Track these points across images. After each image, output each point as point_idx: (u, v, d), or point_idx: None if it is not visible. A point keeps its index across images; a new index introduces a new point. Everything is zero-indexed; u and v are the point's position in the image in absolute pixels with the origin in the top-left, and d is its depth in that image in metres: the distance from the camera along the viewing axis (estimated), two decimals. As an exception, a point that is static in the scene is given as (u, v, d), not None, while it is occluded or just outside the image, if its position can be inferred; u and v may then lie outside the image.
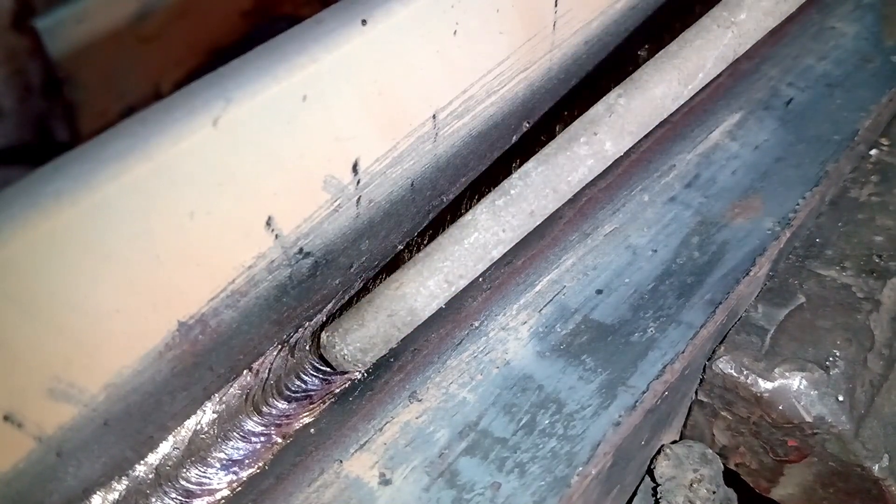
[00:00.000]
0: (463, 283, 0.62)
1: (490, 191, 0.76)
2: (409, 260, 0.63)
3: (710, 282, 0.68)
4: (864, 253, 0.75)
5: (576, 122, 0.67)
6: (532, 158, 0.65)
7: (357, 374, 0.61)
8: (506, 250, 0.64)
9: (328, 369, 0.63)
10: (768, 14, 0.77)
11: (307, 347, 0.63)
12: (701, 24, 0.73)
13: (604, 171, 0.78)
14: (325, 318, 0.64)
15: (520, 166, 0.78)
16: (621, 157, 0.79)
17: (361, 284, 0.67)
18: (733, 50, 0.73)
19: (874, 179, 0.82)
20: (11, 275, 0.41)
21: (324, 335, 0.60)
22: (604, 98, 0.68)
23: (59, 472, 0.48)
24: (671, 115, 0.84)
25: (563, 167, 0.65)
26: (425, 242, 0.70)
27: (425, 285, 0.60)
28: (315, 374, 0.62)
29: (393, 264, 0.68)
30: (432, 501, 0.55)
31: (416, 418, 0.59)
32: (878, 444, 0.67)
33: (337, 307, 0.65)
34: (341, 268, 0.62)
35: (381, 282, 0.64)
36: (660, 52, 0.72)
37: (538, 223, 0.65)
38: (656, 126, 0.83)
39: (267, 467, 0.58)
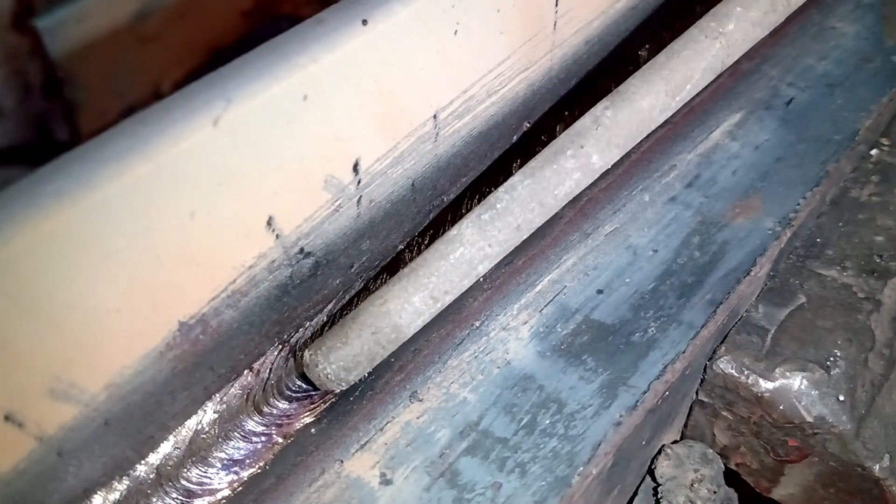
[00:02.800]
0: (448, 299, 0.61)
1: (491, 191, 0.76)
2: (409, 261, 0.63)
3: (711, 282, 0.68)
4: (865, 253, 0.75)
5: (562, 135, 0.66)
6: (518, 172, 0.65)
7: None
8: (492, 265, 0.63)
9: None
10: (756, 25, 0.77)
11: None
12: (689, 34, 0.73)
13: (604, 172, 0.78)
14: (325, 319, 0.64)
15: (521, 165, 0.78)
16: (622, 157, 0.79)
17: (362, 284, 0.66)
18: (721, 61, 0.73)
19: (875, 179, 0.82)
20: (11, 275, 0.41)
21: (306, 354, 0.59)
22: (591, 110, 0.67)
23: (60, 471, 0.48)
24: (671, 115, 0.84)
25: (549, 180, 0.64)
26: (426, 242, 0.70)
27: (410, 302, 0.59)
28: (315, 374, 0.62)
29: (394, 264, 0.68)
30: (433, 501, 0.55)
31: (417, 418, 0.59)
32: (879, 444, 0.67)
33: (338, 307, 0.65)
34: (342, 268, 0.62)
35: (381, 282, 0.64)
36: (647, 64, 0.71)
37: (525, 237, 0.65)
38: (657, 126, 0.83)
39: (268, 467, 0.58)
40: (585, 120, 0.66)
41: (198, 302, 0.51)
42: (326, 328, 0.62)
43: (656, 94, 0.68)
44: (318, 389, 0.62)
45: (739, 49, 0.75)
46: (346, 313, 0.61)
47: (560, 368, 0.62)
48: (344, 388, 0.60)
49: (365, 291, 0.65)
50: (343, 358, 0.58)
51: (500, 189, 0.64)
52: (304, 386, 0.62)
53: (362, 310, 0.59)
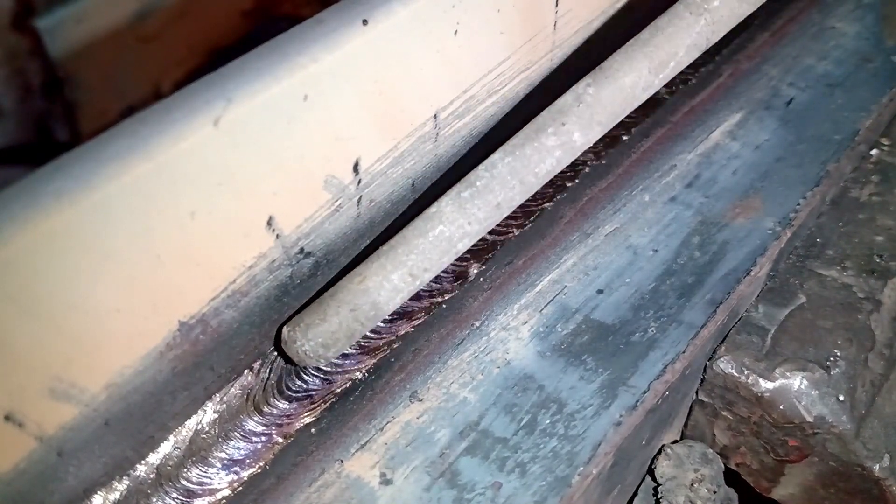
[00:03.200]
0: (428, 277, 0.60)
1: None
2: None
3: (711, 282, 0.68)
4: (865, 253, 0.75)
5: (543, 113, 0.65)
6: (499, 150, 0.64)
7: (322, 366, 0.60)
8: (472, 243, 0.62)
9: (329, 369, 0.63)
10: (743, 1, 0.76)
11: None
12: (673, 10, 0.72)
13: (604, 171, 0.78)
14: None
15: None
16: (622, 156, 0.79)
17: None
18: (706, 38, 0.72)
19: (875, 179, 0.82)
20: (11, 275, 0.41)
21: (284, 330, 0.59)
22: (572, 88, 0.66)
23: (60, 471, 0.48)
24: (671, 115, 0.84)
25: (530, 158, 0.63)
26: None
27: (389, 279, 0.58)
28: (316, 373, 0.62)
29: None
30: (433, 501, 0.55)
31: (417, 418, 0.59)
32: (879, 444, 0.67)
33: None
34: (342, 268, 0.62)
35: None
36: (630, 40, 0.70)
37: (505, 215, 0.64)
38: (656, 126, 0.83)
39: (268, 467, 0.58)
40: (567, 97, 0.66)
41: (198, 302, 0.51)
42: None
43: (639, 71, 0.67)
44: (317, 389, 0.62)
45: (725, 25, 0.74)
46: (309, 305, 0.61)
47: (560, 368, 0.62)
48: (322, 365, 0.59)
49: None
50: (321, 335, 0.58)
51: (480, 167, 0.63)
52: (305, 386, 0.62)
53: (340, 287, 0.59)
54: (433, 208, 0.60)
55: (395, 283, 0.58)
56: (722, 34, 0.72)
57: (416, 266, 0.58)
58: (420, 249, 0.59)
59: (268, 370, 0.60)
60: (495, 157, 0.62)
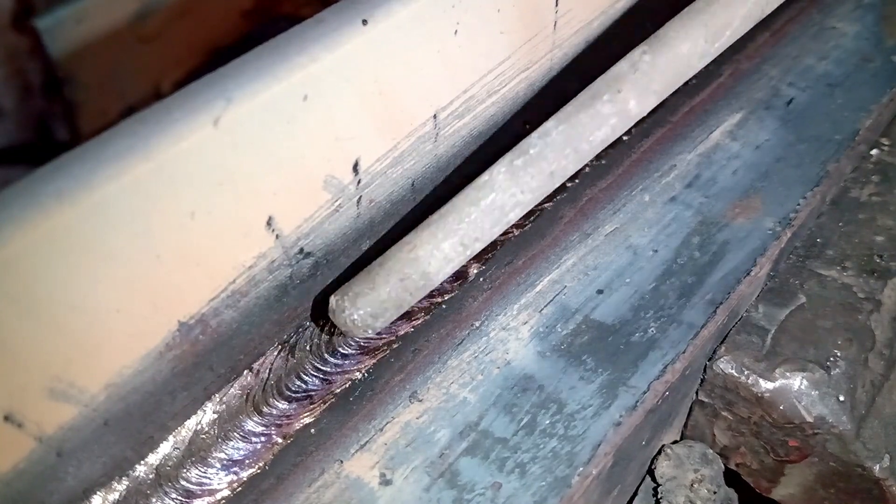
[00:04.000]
0: (478, 247, 0.58)
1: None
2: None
3: (711, 282, 0.68)
4: (865, 253, 0.75)
5: (598, 80, 0.63)
6: (552, 117, 0.61)
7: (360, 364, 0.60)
8: (524, 212, 0.60)
9: (328, 369, 0.63)
10: None
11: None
12: None
13: (604, 171, 0.78)
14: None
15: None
16: (622, 156, 0.79)
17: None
18: (761, 8, 0.70)
19: (875, 179, 0.82)
20: (11, 275, 0.41)
21: (332, 299, 0.58)
22: (628, 55, 0.65)
23: (60, 472, 0.48)
24: (671, 114, 0.84)
25: (585, 126, 0.61)
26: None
27: (439, 248, 0.57)
28: (315, 374, 0.62)
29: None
30: (433, 502, 0.55)
31: (417, 418, 0.59)
32: (879, 445, 0.67)
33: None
34: (342, 268, 0.62)
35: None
36: (686, 8, 0.69)
37: (558, 184, 0.61)
38: (656, 126, 0.83)
39: (267, 467, 0.58)
40: (622, 65, 0.64)
41: (198, 302, 0.51)
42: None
43: (695, 39, 0.66)
44: (317, 390, 0.62)
45: None
46: (358, 274, 0.60)
47: (560, 368, 0.62)
48: (369, 335, 0.59)
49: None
50: (370, 304, 0.57)
51: (534, 134, 0.60)
52: (304, 386, 0.62)
53: (390, 255, 0.58)
54: (485, 176, 0.58)
55: (446, 252, 0.57)
56: (776, 5, 0.71)
57: (468, 235, 0.57)
58: (472, 218, 0.57)
59: (267, 370, 0.60)
60: (549, 124, 0.61)
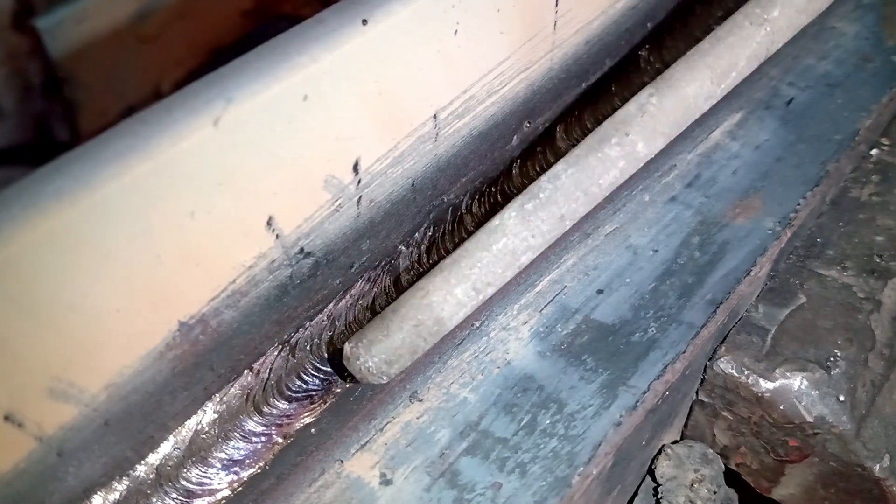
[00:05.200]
0: (491, 291, 0.59)
1: (492, 191, 0.76)
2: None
3: (711, 281, 0.68)
4: (865, 253, 0.75)
5: (606, 123, 0.65)
6: (561, 160, 0.63)
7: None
8: (535, 256, 0.62)
9: (329, 369, 0.63)
10: (801, 11, 0.75)
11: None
12: (733, 20, 0.71)
13: (604, 171, 0.78)
14: (326, 320, 0.64)
15: (521, 165, 0.78)
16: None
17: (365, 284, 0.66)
18: (766, 48, 0.71)
19: (875, 179, 0.82)
20: (11, 275, 0.41)
21: (347, 346, 0.58)
22: (635, 97, 0.66)
23: (60, 472, 0.48)
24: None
25: (594, 169, 0.62)
26: (425, 242, 0.70)
27: (452, 293, 0.57)
28: (316, 373, 0.62)
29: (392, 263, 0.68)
30: (433, 501, 0.55)
31: (417, 418, 0.59)
32: (879, 444, 0.67)
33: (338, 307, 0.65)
34: (342, 268, 0.62)
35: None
36: (692, 50, 0.70)
37: (568, 227, 0.63)
38: (657, 126, 0.83)
39: (268, 467, 0.58)
40: (630, 107, 0.65)
41: (198, 302, 0.51)
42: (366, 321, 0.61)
43: (701, 81, 0.66)
44: (317, 390, 0.62)
45: (784, 36, 0.73)
46: (371, 320, 0.61)
47: (560, 368, 0.62)
48: (384, 382, 0.59)
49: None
50: (385, 351, 0.57)
51: (543, 178, 0.61)
52: (304, 386, 0.62)
53: (403, 301, 0.58)
54: (496, 220, 0.60)
55: (459, 297, 0.58)
56: (781, 44, 0.72)
57: (480, 280, 0.58)
58: (484, 263, 0.58)
59: (268, 370, 0.60)
60: (558, 168, 0.62)
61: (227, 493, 0.56)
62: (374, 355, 0.57)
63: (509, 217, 0.59)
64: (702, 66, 0.67)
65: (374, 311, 0.66)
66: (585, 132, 0.83)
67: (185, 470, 0.56)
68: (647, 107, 0.64)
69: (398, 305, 0.58)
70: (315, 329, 0.63)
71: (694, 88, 0.66)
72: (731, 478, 0.72)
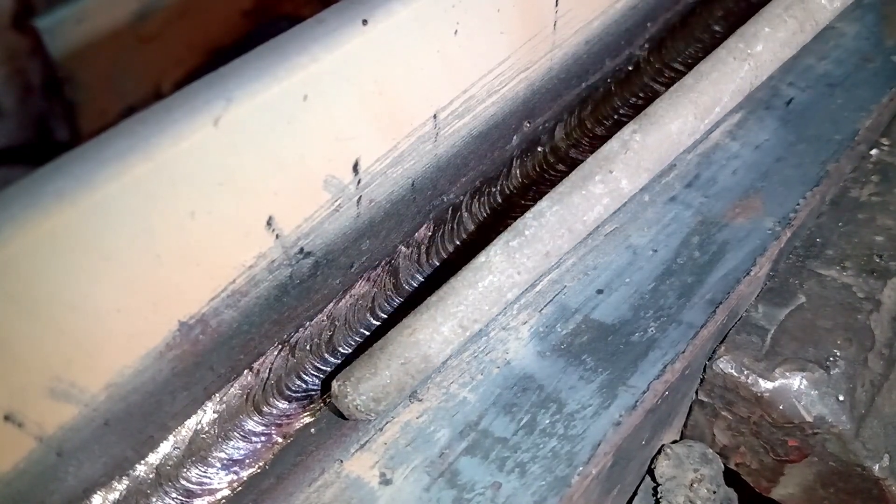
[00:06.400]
0: (477, 328, 0.60)
1: (491, 191, 0.76)
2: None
3: (711, 281, 0.68)
4: (865, 253, 0.75)
5: (590, 160, 0.65)
6: (545, 197, 0.64)
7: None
8: (520, 292, 0.62)
9: (328, 369, 0.63)
10: (785, 45, 0.76)
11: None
12: (717, 56, 0.72)
13: (604, 171, 0.78)
14: (326, 320, 0.64)
15: (520, 165, 0.78)
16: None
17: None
18: (749, 83, 0.72)
19: (875, 179, 0.82)
20: (11, 275, 0.41)
21: (335, 384, 0.58)
22: (618, 134, 0.66)
23: (60, 472, 0.48)
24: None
25: (578, 206, 0.63)
26: (425, 242, 0.70)
27: (439, 331, 0.58)
28: (316, 373, 0.62)
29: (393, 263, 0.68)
30: (433, 501, 0.55)
31: (417, 418, 0.59)
32: (879, 444, 0.67)
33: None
34: (342, 267, 0.62)
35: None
36: (675, 86, 0.70)
37: (553, 263, 0.64)
38: (657, 126, 0.83)
39: (267, 467, 0.58)
40: (613, 144, 0.65)
41: (198, 302, 0.51)
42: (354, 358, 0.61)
43: (685, 117, 0.67)
44: (317, 389, 0.62)
45: (767, 70, 0.74)
46: (358, 358, 0.61)
47: (560, 368, 0.62)
48: (373, 419, 0.59)
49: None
50: (372, 389, 0.57)
51: (528, 215, 0.63)
52: (304, 386, 0.62)
53: (391, 339, 0.59)
54: (482, 258, 0.60)
55: (446, 335, 0.58)
56: (765, 78, 0.73)
57: (466, 317, 0.59)
58: (470, 300, 0.59)
59: (267, 370, 0.60)
60: (543, 205, 0.62)
61: (226, 492, 0.56)
62: (361, 393, 0.57)
63: (495, 254, 0.60)
64: (685, 101, 0.67)
65: (373, 312, 0.67)
66: (585, 132, 0.83)
67: (184, 470, 0.56)
68: (630, 143, 0.64)
69: (385, 343, 0.59)
70: (315, 329, 0.63)
71: (678, 125, 0.66)
72: (731, 478, 0.72)
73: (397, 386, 0.58)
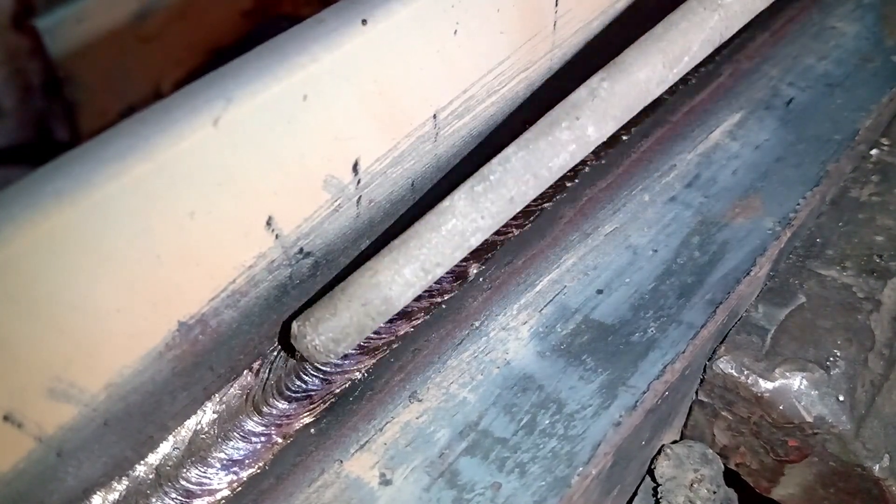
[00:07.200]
0: (440, 272, 0.59)
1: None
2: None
3: (711, 282, 0.68)
4: (865, 253, 0.75)
5: (557, 107, 0.65)
6: (512, 143, 0.63)
7: (333, 362, 0.59)
8: (484, 238, 0.61)
9: (328, 369, 0.63)
10: None
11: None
12: (687, 6, 0.71)
13: (604, 171, 0.78)
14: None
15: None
16: (621, 156, 0.79)
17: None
18: (720, 33, 0.71)
19: (875, 179, 0.82)
20: (11, 275, 0.41)
21: (294, 325, 0.58)
22: (586, 82, 0.66)
23: (60, 472, 0.48)
24: (671, 114, 0.84)
25: (543, 152, 0.62)
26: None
27: (401, 273, 0.57)
28: (315, 373, 0.62)
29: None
30: (433, 501, 0.55)
31: (417, 418, 0.59)
32: (879, 444, 0.67)
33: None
34: (342, 268, 0.62)
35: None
36: (644, 35, 0.70)
37: (518, 210, 0.63)
38: (656, 126, 0.83)
39: (267, 467, 0.58)
40: (581, 91, 0.65)
41: (197, 302, 0.51)
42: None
43: (654, 65, 0.66)
44: (317, 390, 0.62)
45: (739, 21, 0.73)
46: (319, 300, 0.60)
47: (560, 368, 0.62)
48: (332, 360, 0.59)
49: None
50: (332, 329, 0.57)
51: (494, 161, 0.62)
52: (304, 386, 0.62)
53: (351, 281, 0.58)
54: (446, 202, 0.59)
55: (407, 277, 0.57)
56: (735, 29, 0.72)
57: (429, 260, 0.58)
58: (432, 244, 0.58)
59: (267, 370, 0.60)
60: (508, 151, 0.62)
61: (226, 493, 0.56)
62: (320, 333, 0.57)
63: (459, 199, 0.59)
64: (654, 50, 0.66)
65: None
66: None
67: (184, 470, 0.56)
68: (598, 91, 0.63)
69: (346, 285, 0.58)
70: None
71: (646, 73, 0.65)
72: (731, 478, 0.72)
73: (357, 327, 0.57)
